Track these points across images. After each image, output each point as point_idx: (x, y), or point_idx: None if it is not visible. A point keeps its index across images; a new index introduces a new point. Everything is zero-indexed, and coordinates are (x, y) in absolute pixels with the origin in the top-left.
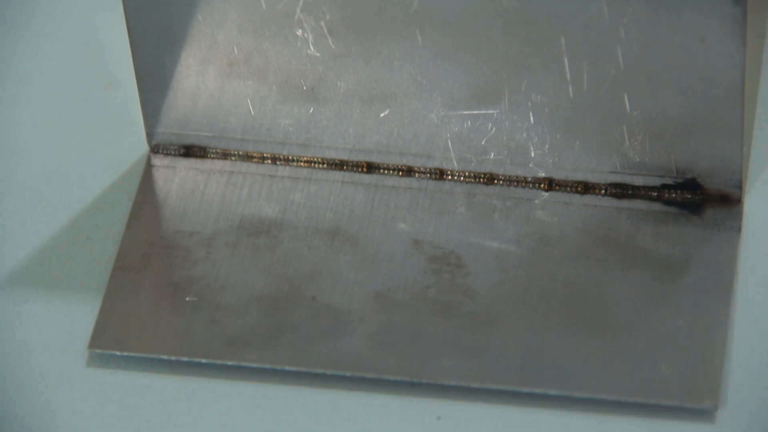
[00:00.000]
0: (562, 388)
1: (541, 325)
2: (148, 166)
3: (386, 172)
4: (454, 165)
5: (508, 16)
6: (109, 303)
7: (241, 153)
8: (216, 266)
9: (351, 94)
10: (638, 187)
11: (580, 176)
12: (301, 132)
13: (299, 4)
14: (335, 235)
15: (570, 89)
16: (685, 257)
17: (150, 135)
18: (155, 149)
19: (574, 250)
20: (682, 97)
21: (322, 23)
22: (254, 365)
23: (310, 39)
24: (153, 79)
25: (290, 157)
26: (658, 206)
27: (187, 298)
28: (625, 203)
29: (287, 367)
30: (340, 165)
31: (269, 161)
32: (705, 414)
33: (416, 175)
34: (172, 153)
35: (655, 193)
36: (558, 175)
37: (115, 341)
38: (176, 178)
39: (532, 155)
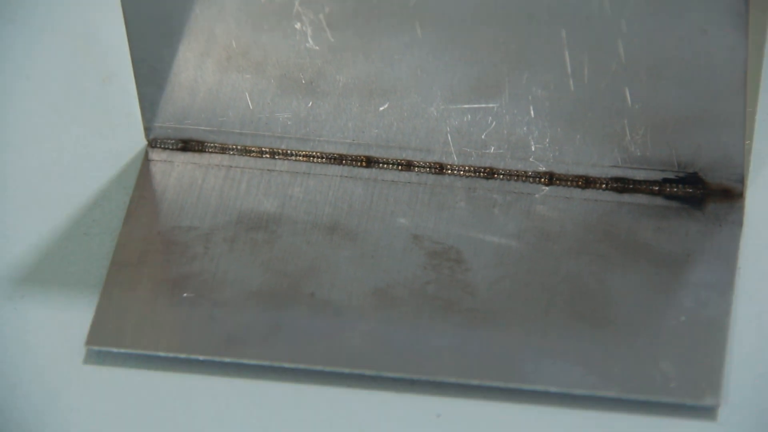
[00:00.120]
0: (563, 386)
1: (542, 321)
2: (146, 161)
3: (385, 166)
4: (454, 159)
5: (508, 8)
6: (106, 299)
7: (239, 147)
8: (214, 262)
9: (350, 88)
10: (639, 182)
11: (580, 170)
12: (300, 126)
13: None
14: (334, 230)
15: (571, 83)
16: (686, 252)
17: (148, 129)
18: (153, 143)
19: (575, 245)
20: (683, 90)
21: (321, 16)
22: (252, 362)
23: (309, 32)
24: (151, 72)
25: (289, 152)
26: (659, 201)
27: (185, 294)
28: (626, 197)
29: (285, 364)
30: (339, 159)
31: (268, 155)
32: (707, 411)
33: (416, 169)
34: (170, 147)
35: (657, 188)
36: (559, 169)
37: (112, 338)
38: (174, 172)
39: (533, 149)
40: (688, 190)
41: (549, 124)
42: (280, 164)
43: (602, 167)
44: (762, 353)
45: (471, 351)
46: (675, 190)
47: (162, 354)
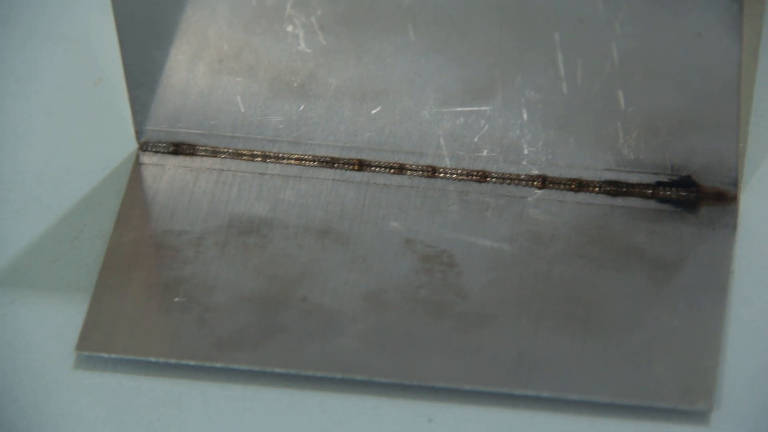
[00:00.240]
0: (556, 390)
1: (534, 325)
2: (137, 164)
3: (378, 169)
4: (447, 162)
5: (501, 11)
6: (96, 304)
7: (230, 150)
8: (205, 266)
9: (342, 91)
10: (633, 185)
11: (573, 174)
12: (292, 129)
13: (289, 0)
14: (326, 234)
15: (564, 85)
16: (680, 256)
17: (139, 132)
18: (144, 147)
19: (568, 248)
20: (677, 93)
21: (313, 19)
22: (243, 367)
23: (301, 35)
24: (142, 75)
25: (281, 155)
26: (652, 204)
27: (176, 299)
28: (620, 201)
29: (277, 369)
30: (331, 162)
31: (259, 159)
32: (700, 415)
33: (408, 172)
34: (161, 150)
35: (650, 191)
36: (551, 172)
37: (102, 343)
38: (165, 176)
39: (526, 152)
40: (681, 193)
41: (542, 127)
42: (272, 168)
43: (595, 170)
44: (755, 357)
45: (463, 355)
46: (668, 193)
47: (153, 359)
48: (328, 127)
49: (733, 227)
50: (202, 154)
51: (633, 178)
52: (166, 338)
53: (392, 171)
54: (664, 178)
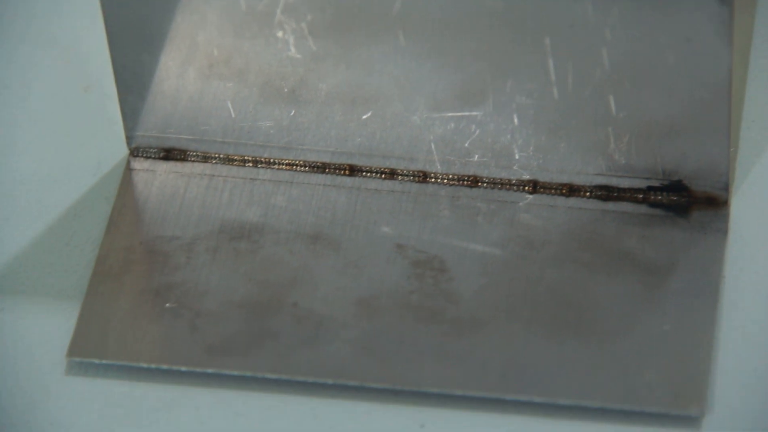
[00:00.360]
0: (547, 396)
1: (526, 330)
2: (128, 170)
3: (369, 174)
4: (438, 167)
5: (491, 16)
6: (87, 310)
7: (221, 156)
8: (196, 272)
9: (333, 96)
10: (624, 190)
11: (565, 178)
12: (283, 134)
13: (279, 6)
14: (317, 239)
15: (555, 91)
16: (671, 260)
17: (129, 138)
18: (135, 152)
19: (559, 253)
20: (668, 98)
21: (303, 25)
22: (235, 373)
23: (291, 41)
24: (132, 81)
25: (271, 160)
26: (643, 209)
27: (167, 305)
28: (611, 206)
29: (268, 375)
30: (322, 168)
31: (250, 164)
32: (691, 420)
33: (399, 177)
34: (152, 156)
35: (641, 196)
36: (543, 177)
37: (94, 349)
38: (156, 181)
39: (517, 157)
40: (672, 198)
41: (533, 132)
42: (263, 173)
43: (586, 175)
44: (746, 362)
45: (455, 361)
46: (659, 198)
47: (144, 365)
48: (319, 133)
49: (725, 232)
50: (192, 159)
51: (624, 183)
52: (157, 344)
53: (383, 176)
54: (655, 183)
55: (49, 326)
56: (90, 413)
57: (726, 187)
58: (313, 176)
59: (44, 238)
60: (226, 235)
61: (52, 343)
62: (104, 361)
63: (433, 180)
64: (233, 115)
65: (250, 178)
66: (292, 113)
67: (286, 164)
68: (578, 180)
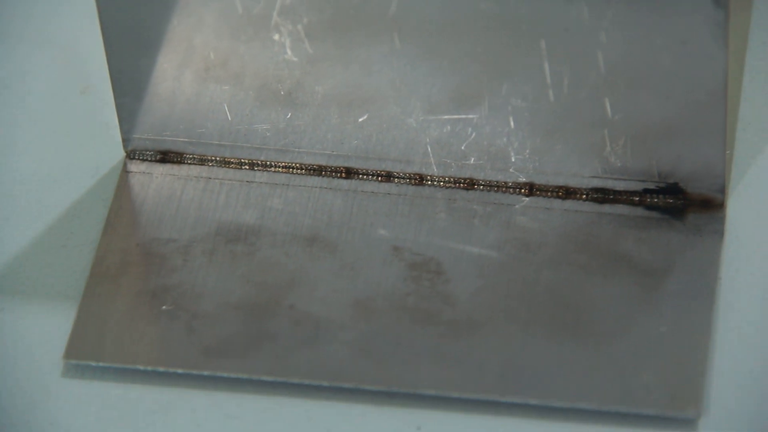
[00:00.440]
0: (543, 397)
1: (522, 332)
2: (124, 172)
3: (365, 177)
4: (434, 170)
5: (487, 19)
6: (84, 312)
7: (218, 158)
8: (193, 274)
9: (329, 99)
10: (620, 192)
11: (561, 181)
12: (279, 137)
13: (276, 8)
14: (313, 241)
15: (550, 93)
16: (667, 263)
17: (126, 140)
18: (131, 155)
19: (555, 255)
20: (663, 100)
21: (300, 27)
22: (231, 375)
23: (287, 43)
24: (129, 83)
25: (268, 163)
26: (639, 211)
27: (164, 307)
28: (607, 208)
29: (265, 377)
30: (318, 170)
31: (247, 167)
32: (687, 422)
33: (395, 180)
34: (149, 159)
35: (637, 198)
36: (539, 179)
37: (90, 351)
38: (152, 184)
39: (513, 160)
40: (668, 200)
41: (529, 134)
42: (259, 176)
43: (582, 178)
44: (742, 364)
45: (451, 363)
46: (656, 200)
47: (141, 367)
48: (315, 135)
49: (721, 234)
50: (189, 162)
51: (620, 186)
52: (154, 346)
53: (379, 179)
54: (651, 186)
55: (47, 327)
56: (86, 415)
57: (722, 190)
58: (309, 179)
59: (42, 239)
60: (223, 238)
61: (48, 344)
62: (101, 363)
63: (429, 182)
64: (230, 118)
65: (247, 181)
66: (288, 116)
67: (283, 167)
68: (574, 182)
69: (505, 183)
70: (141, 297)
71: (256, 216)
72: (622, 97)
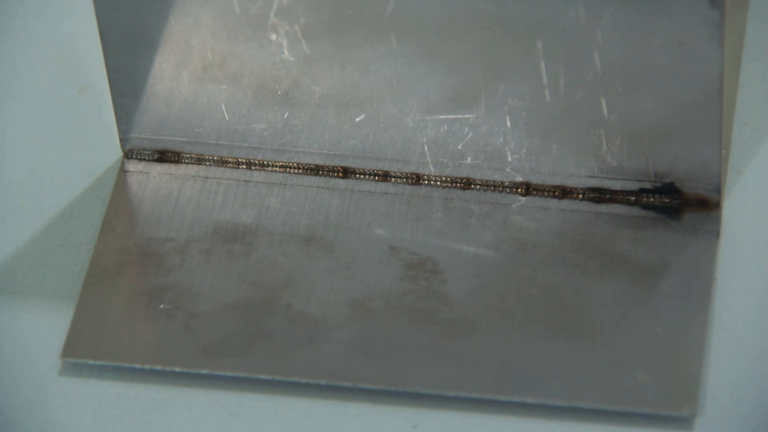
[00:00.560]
0: (540, 396)
1: (519, 332)
2: (122, 172)
3: (362, 177)
4: (431, 170)
5: (484, 19)
6: (82, 311)
7: (215, 158)
8: (190, 273)
9: (326, 99)
10: (616, 192)
11: (557, 181)
12: (276, 137)
13: (273, 9)
14: (311, 241)
15: (547, 93)
16: (663, 262)
17: (123, 140)
18: (129, 154)
19: (552, 255)
20: (660, 100)
21: (297, 27)
22: (229, 374)
23: (285, 43)
24: (126, 83)
25: (265, 162)
26: (636, 211)
27: (162, 306)
28: (603, 208)
29: (262, 376)
30: (315, 170)
31: (244, 166)
32: (683, 421)
33: (392, 180)
34: (146, 158)
35: (633, 198)
36: (535, 179)
37: (88, 350)
38: (150, 183)
39: (509, 159)
40: (664, 200)
41: (525, 134)
42: (257, 175)
43: (579, 177)
44: (738, 364)
45: (448, 362)
46: (652, 200)
47: (138, 366)
48: (313, 135)
49: (716, 234)
50: (186, 161)
51: (616, 185)
52: (151, 345)
53: (376, 178)
54: (647, 185)
55: (44, 327)
56: (84, 414)
57: (718, 189)
58: (306, 178)
59: (39, 239)
60: (220, 237)
61: (46, 343)
62: (98, 362)
63: (426, 182)
64: (227, 118)
65: (244, 180)
66: (285, 116)
67: (280, 166)
68: (571, 182)
69: (502, 182)
70: (138, 296)
71: (254, 215)
72: (619, 97)
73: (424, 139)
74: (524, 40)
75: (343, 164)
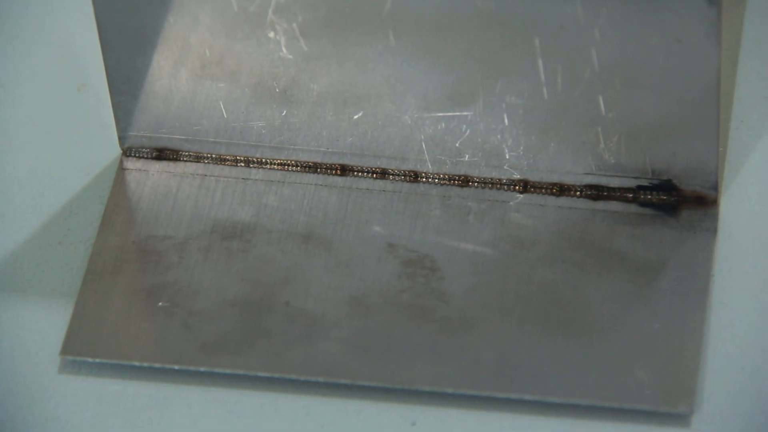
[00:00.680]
0: (538, 393)
1: (516, 329)
2: (120, 170)
3: (360, 174)
4: (429, 167)
5: (482, 17)
6: (81, 309)
7: (214, 156)
8: (189, 271)
9: (324, 96)
10: (614, 189)
11: (555, 178)
12: (275, 134)
13: (271, 6)
14: (309, 238)
15: (544, 91)
16: (660, 259)
17: (122, 138)
18: (127, 152)
19: (550, 252)
20: (657, 98)
21: (295, 25)
22: (227, 371)
23: (283, 41)
24: (125, 81)
25: (263, 160)
26: (633, 208)
27: (160, 304)
28: (601, 205)
29: (261, 373)
30: (313, 167)
31: (242, 164)
32: (680, 418)
33: (390, 177)
34: (145, 156)
35: (631, 195)
36: (533, 176)
37: (87, 347)
38: (149, 181)
39: (507, 157)
40: (662, 197)
41: (523, 131)
42: (255, 173)
43: (576, 175)
44: (735, 360)
45: (446, 359)
46: (649, 197)
47: (137, 364)
48: (311, 133)
49: (714, 231)
50: (185, 159)
51: (614, 182)
52: (150, 343)
53: (374, 176)
54: (644, 182)
55: (43, 324)
56: (83, 411)
57: (715, 187)
58: (304, 176)
59: (38, 236)
60: (219, 235)
61: (45, 341)
62: (97, 360)
63: (424, 179)
64: (225, 116)
65: (242, 178)
66: (283, 113)
67: (278, 164)
68: (568, 179)
69: (500, 180)
70: (137, 294)
71: (252, 213)
72: (616, 94)
73: (422, 137)
74: (522, 37)
75: (341, 162)
